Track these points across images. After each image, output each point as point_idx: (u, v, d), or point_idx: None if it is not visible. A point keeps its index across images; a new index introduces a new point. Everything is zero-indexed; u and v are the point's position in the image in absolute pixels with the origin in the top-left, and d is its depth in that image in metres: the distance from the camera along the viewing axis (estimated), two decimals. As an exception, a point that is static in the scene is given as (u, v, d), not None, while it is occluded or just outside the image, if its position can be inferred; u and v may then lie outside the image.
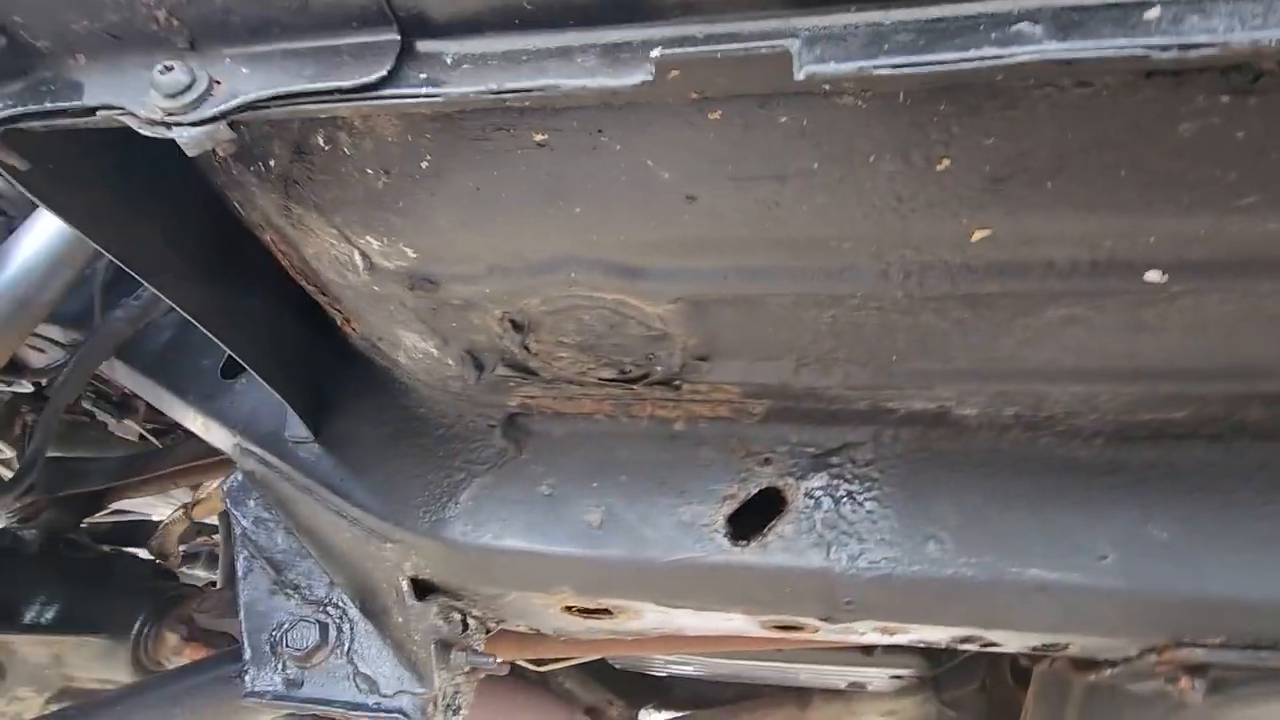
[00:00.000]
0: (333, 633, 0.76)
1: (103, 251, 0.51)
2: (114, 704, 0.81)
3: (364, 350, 0.78)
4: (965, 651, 1.35)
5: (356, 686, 0.74)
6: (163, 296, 0.56)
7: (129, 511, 1.80)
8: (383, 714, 0.72)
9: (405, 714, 0.72)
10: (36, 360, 1.18)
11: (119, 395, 1.44)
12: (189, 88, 0.36)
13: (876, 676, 1.44)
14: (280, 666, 0.75)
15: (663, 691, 1.97)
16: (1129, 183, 0.39)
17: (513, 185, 0.45)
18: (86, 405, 1.41)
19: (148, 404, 1.44)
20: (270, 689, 0.73)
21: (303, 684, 0.74)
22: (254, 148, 0.50)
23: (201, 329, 0.60)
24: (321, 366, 0.82)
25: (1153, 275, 0.43)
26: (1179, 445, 0.61)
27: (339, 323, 0.72)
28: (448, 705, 0.77)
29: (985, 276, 0.45)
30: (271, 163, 0.50)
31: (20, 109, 0.38)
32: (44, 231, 1.02)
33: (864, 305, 0.49)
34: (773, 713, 1.68)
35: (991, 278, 0.45)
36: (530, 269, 0.50)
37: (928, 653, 1.37)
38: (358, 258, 0.52)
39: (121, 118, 0.37)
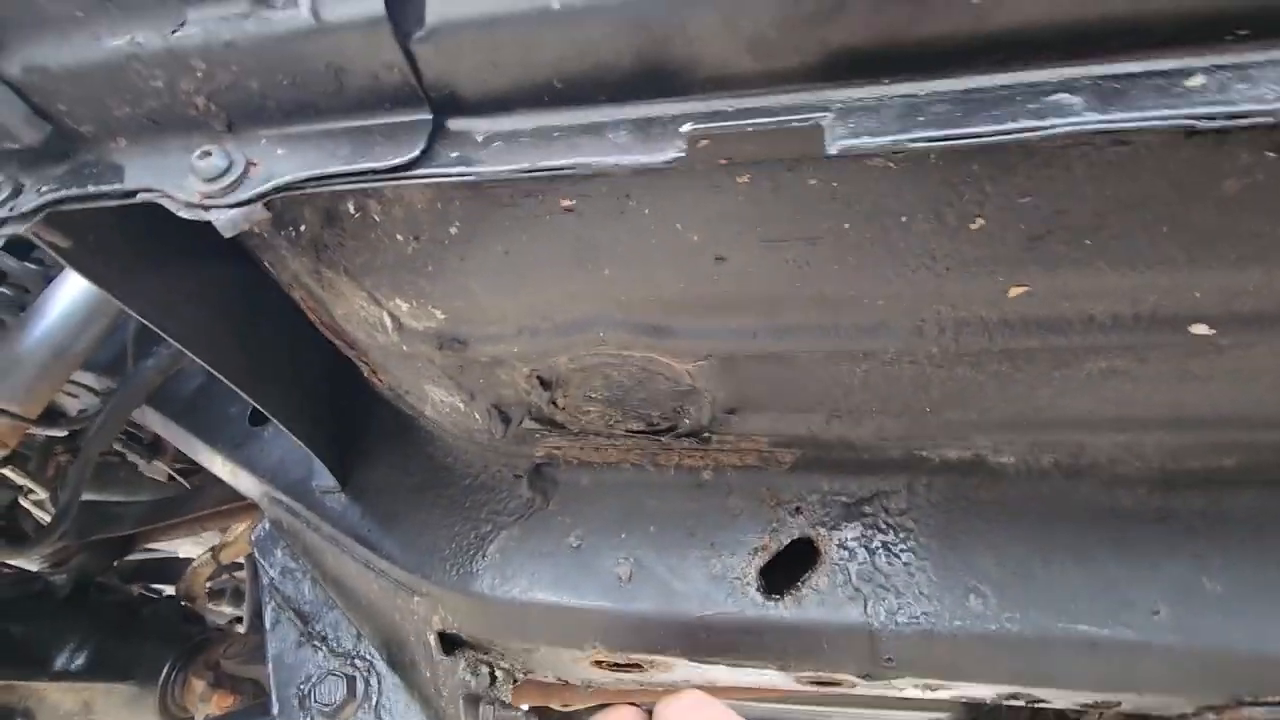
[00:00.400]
0: (360, 686, 0.75)
1: (138, 319, 0.52)
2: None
3: (390, 399, 0.78)
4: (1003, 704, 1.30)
5: (384, 744, 0.73)
6: (193, 356, 0.57)
7: (155, 549, 1.82)
8: (411, 772, 0.71)
9: (433, 772, 0.71)
10: (71, 406, 1.20)
11: (149, 438, 1.47)
12: (226, 171, 0.36)
13: (912, 720, 1.40)
14: (308, 722, 0.74)
15: None
16: (1172, 239, 0.38)
17: (541, 249, 0.45)
18: (118, 447, 1.44)
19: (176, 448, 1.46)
20: (298, 746, 0.72)
21: (330, 741, 0.73)
22: (285, 214, 0.51)
23: (230, 385, 0.61)
24: (348, 414, 0.83)
25: (1199, 329, 0.42)
26: (1230, 492, 0.59)
27: (366, 373, 0.73)
28: (475, 762, 0.75)
29: (1023, 332, 0.44)
30: (303, 228, 0.51)
31: (65, 193, 0.39)
32: (78, 284, 1.05)
33: (898, 360, 0.49)
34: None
35: (1030, 333, 0.44)
36: (558, 329, 0.50)
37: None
38: (387, 319, 0.52)
39: (160, 200, 0.38)
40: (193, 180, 0.36)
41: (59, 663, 1.15)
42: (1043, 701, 0.65)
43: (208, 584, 1.50)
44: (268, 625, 0.81)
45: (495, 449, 0.72)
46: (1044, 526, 0.61)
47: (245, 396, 0.63)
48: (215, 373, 0.59)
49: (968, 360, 0.48)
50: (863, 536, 0.63)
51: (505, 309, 0.49)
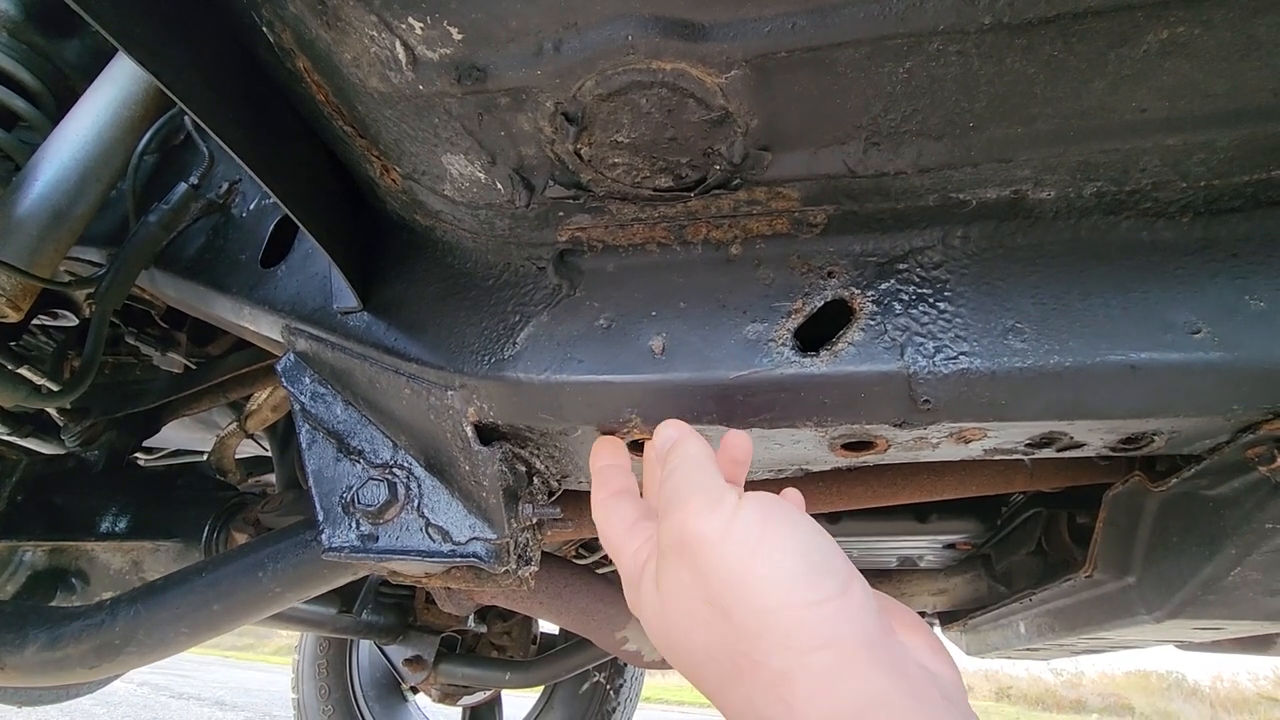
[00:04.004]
0: (401, 491, 0.77)
1: (142, 66, 0.49)
2: (201, 571, 0.84)
3: (402, 213, 0.77)
4: (1019, 519, 1.35)
5: (429, 537, 0.75)
6: (204, 125, 0.54)
7: (184, 452, 1.86)
8: (458, 559, 0.73)
9: (480, 558, 0.73)
10: (79, 287, 1.17)
11: (160, 332, 1.46)
12: None
13: (930, 548, 1.45)
14: (354, 525, 0.76)
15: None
16: None
17: (562, -72, 0.42)
18: (131, 341, 1.43)
19: (189, 338, 1.46)
20: (347, 544, 0.75)
21: (378, 538, 0.75)
22: (281, -60, 0.47)
23: (242, 164, 0.58)
24: (360, 238, 0.81)
25: (1275, -41, 0.39)
26: (1276, 213, 0.57)
27: (377, 174, 0.70)
28: (519, 556, 0.78)
29: (1084, -15, 0.41)
30: (301, -48, 0.47)
31: None
32: (68, 147, 1.01)
33: (945, 49, 0.46)
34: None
35: (1091, -15, 0.41)
36: (584, 39, 0.47)
37: (981, 516, 1.37)
38: (400, 50, 0.50)
39: None
40: None
41: (103, 527, 1.18)
42: (1078, 445, 0.66)
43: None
44: (304, 446, 0.82)
45: (516, 241, 0.70)
46: (1083, 266, 0.60)
47: (264, 185, 0.61)
48: (228, 147, 0.57)
49: (1020, 43, 0.45)
50: (898, 292, 0.62)
51: (526, 17, 0.46)
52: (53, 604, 1.14)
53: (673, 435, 0.55)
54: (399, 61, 0.50)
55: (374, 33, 0.49)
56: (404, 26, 0.48)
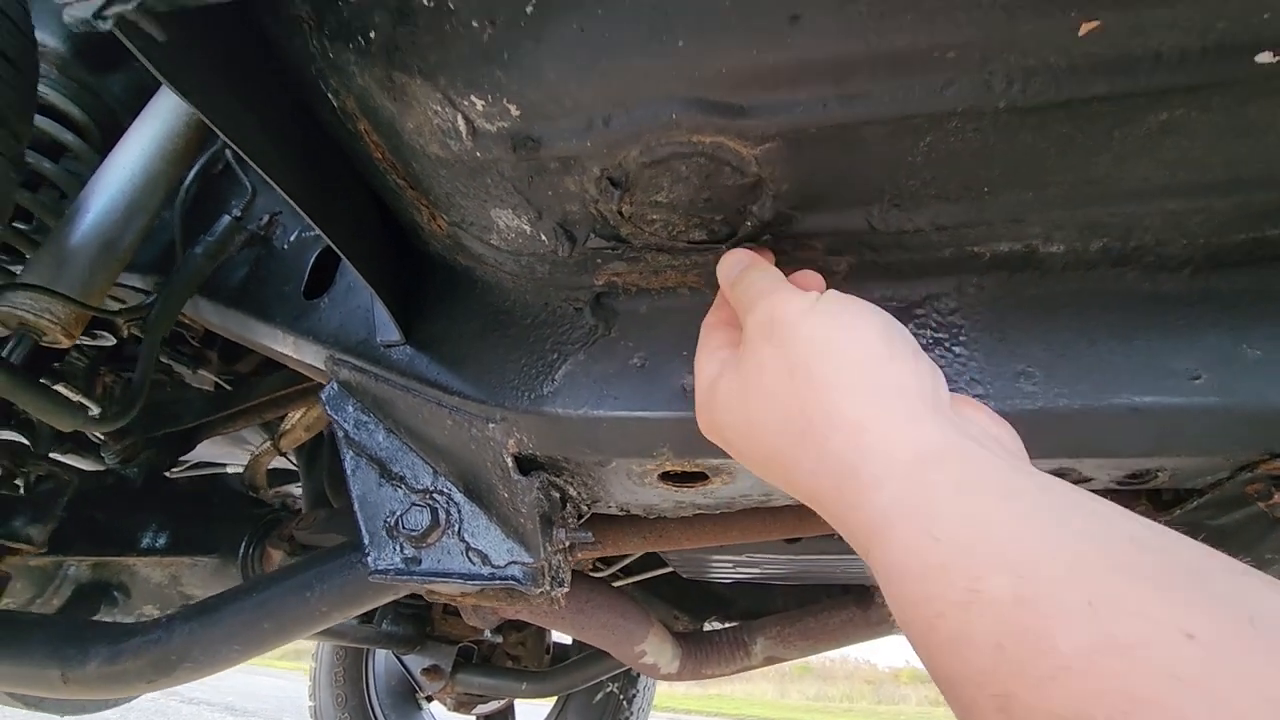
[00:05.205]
0: (442, 516, 0.81)
1: (217, 132, 0.54)
2: (252, 591, 0.89)
3: (445, 254, 0.81)
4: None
5: (470, 560, 0.79)
6: (264, 173, 0.59)
7: (211, 464, 1.91)
8: (497, 582, 0.77)
9: (518, 580, 0.77)
10: (127, 316, 1.22)
11: (192, 350, 1.51)
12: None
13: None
14: (399, 548, 0.80)
15: (725, 604, 2.05)
16: (1247, -50, 0.39)
17: (616, 23, 0.46)
18: (163, 359, 1.48)
19: (219, 355, 1.51)
20: (392, 566, 0.79)
21: (421, 561, 0.79)
22: (354, 22, 0.52)
23: (299, 209, 0.63)
24: (404, 276, 0.86)
25: (1264, 57, 0.43)
26: (1273, 268, 0.61)
27: (424, 220, 0.75)
28: (553, 577, 0.82)
29: (1091, 76, 0.46)
30: (373, 34, 0.52)
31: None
32: (115, 179, 1.07)
33: (963, 127, 0.50)
34: (834, 614, 1.74)
35: (1098, 77, 0.46)
36: (631, 116, 0.51)
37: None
38: (461, 123, 0.54)
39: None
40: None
41: (143, 542, 1.23)
42: (1085, 480, 0.69)
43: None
44: (348, 472, 0.87)
45: (555, 284, 0.74)
46: (1090, 315, 0.64)
47: (317, 227, 0.66)
48: (287, 196, 0.61)
49: (1031, 122, 0.49)
50: (915, 335, 0.66)
51: (580, 96, 0.51)
52: (96, 617, 1.18)
53: (743, 260, 0.59)
54: (459, 132, 0.55)
55: (437, 107, 0.54)
56: (466, 103, 0.53)
